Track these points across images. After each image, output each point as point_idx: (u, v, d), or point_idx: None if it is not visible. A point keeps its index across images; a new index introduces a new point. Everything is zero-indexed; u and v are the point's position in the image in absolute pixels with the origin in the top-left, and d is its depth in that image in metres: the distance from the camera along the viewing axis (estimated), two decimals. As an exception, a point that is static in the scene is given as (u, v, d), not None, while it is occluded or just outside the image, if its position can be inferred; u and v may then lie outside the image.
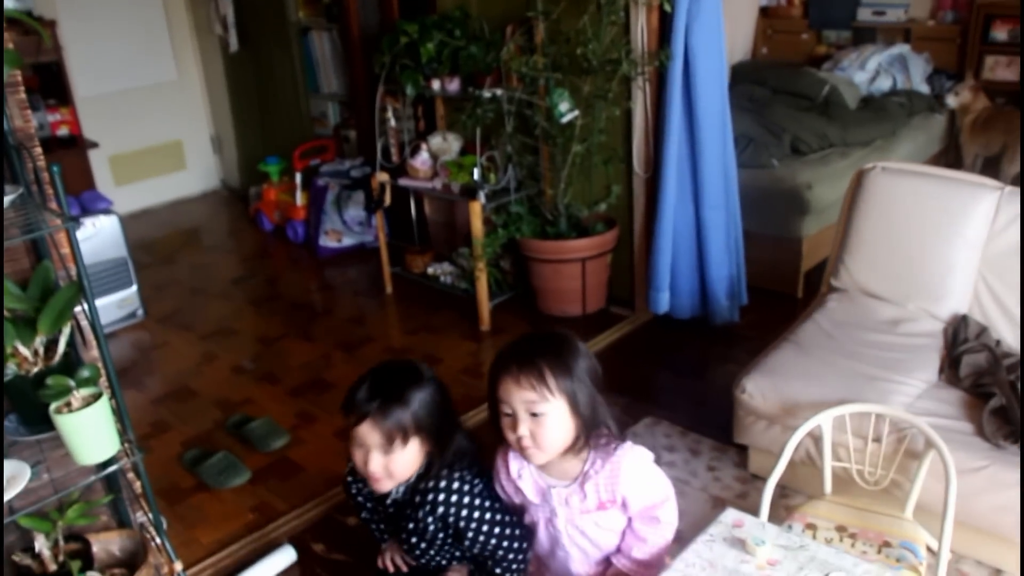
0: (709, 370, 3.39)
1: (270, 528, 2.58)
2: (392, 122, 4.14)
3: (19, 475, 1.56)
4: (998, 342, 2.50)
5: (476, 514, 1.77)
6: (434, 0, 3.99)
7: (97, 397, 1.58)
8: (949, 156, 4.92)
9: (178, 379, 3.59)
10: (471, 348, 3.68)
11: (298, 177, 4.98)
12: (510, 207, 3.77)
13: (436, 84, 3.85)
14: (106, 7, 5.38)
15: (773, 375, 2.47)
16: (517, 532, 1.83)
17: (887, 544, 1.88)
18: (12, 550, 1.78)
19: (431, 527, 1.81)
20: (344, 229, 4.85)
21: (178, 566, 1.89)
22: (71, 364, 1.69)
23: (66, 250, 1.77)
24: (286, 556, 2.43)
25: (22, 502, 1.67)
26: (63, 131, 4.87)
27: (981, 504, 2.09)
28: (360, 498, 1.99)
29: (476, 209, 3.60)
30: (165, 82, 5.85)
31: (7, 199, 1.61)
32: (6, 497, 1.52)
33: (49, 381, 1.54)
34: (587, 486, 1.71)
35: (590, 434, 1.67)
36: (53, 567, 1.71)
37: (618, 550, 1.81)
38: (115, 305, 4.02)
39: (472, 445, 1.84)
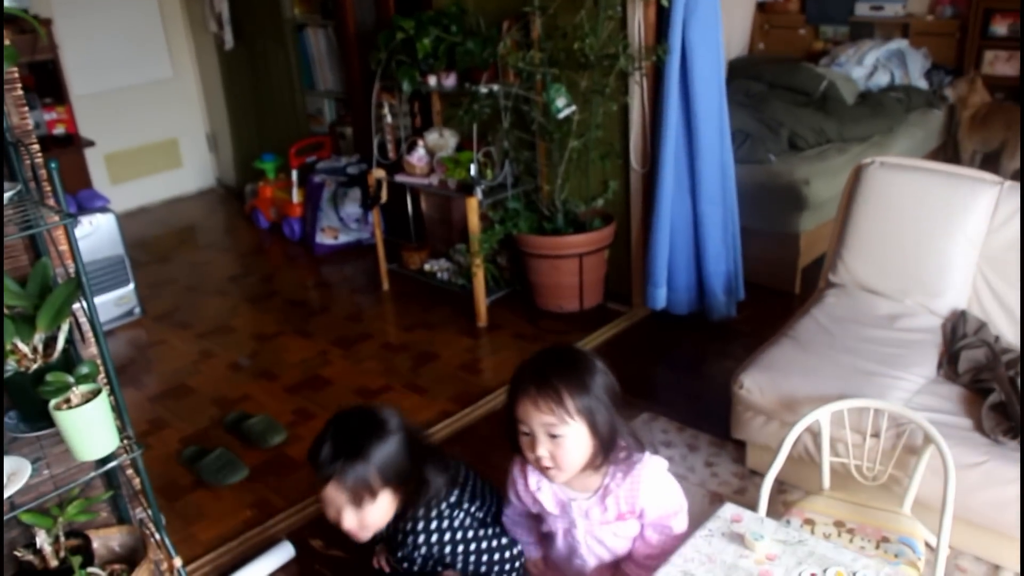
0: (706, 366, 3.39)
1: (268, 524, 2.58)
2: (388, 118, 4.13)
3: (20, 471, 1.56)
4: (997, 338, 2.51)
5: (460, 547, 1.77)
6: (430, -4, 3.99)
7: (96, 393, 1.58)
8: (947, 152, 4.92)
9: (175, 377, 3.58)
10: (468, 344, 3.68)
11: (294, 174, 4.98)
12: (507, 203, 3.77)
13: (432, 80, 3.84)
14: (101, 5, 5.36)
15: (771, 370, 2.47)
16: (504, 544, 1.82)
17: (885, 539, 1.88)
18: (14, 546, 1.78)
19: (417, 559, 1.80)
20: (340, 226, 4.84)
21: (177, 562, 1.89)
22: (70, 361, 1.69)
23: (64, 247, 1.77)
24: (284, 552, 2.43)
25: (23, 498, 1.67)
26: (59, 130, 4.85)
27: (980, 500, 2.09)
28: None
29: (473, 205, 3.60)
30: (160, 80, 5.84)
31: (5, 195, 1.60)
32: (7, 493, 1.52)
33: (48, 377, 1.54)
34: (608, 500, 1.73)
35: (609, 452, 1.68)
36: (54, 563, 1.71)
37: (628, 555, 1.84)
38: (112, 303, 4.02)
39: (449, 473, 1.79)
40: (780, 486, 2.53)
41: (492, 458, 2.82)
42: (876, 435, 2.11)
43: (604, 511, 1.73)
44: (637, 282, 3.77)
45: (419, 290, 4.24)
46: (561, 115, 3.49)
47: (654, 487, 1.72)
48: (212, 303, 4.33)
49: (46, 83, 4.81)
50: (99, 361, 1.74)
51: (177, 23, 5.84)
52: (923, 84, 4.98)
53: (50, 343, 1.65)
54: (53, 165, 1.65)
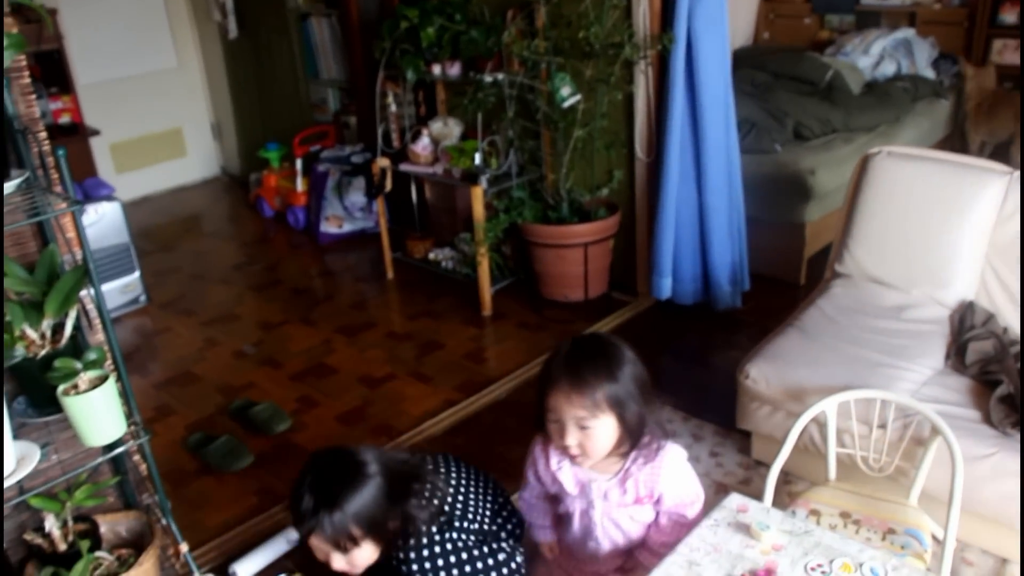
0: (711, 356, 3.39)
1: (274, 511, 2.59)
2: (393, 107, 4.12)
3: (29, 456, 1.57)
4: (1005, 329, 2.50)
5: (455, 571, 1.75)
6: (435, -16, 3.97)
7: (103, 379, 1.58)
8: (954, 142, 4.90)
9: (181, 364, 3.59)
10: (473, 333, 3.68)
11: (298, 163, 4.97)
12: (512, 192, 3.77)
13: (437, 69, 3.83)
14: (106, -6, 5.36)
15: (777, 360, 2.47)
16: (503, 560, 1.81)
17: (892, 531, 1.88)
18: (24, 529, 1.79)
19: None
20: (345, 215, 4.84)
21: (184, 547, 1.90)
22: (78, 347, 1.70)
23: (71, 234, 1.77)
24: (289, 539, 2.43)
25: (32, 483, 1.68)
26: (65, 119, 4.86)
27: (987, 492, 2.08)
28: None
29: (477, 194, 3.60)
30: (165, 69, 5.83)
31: (13, 182, 1.61)
32: (17, 477, 1.52)
33: (56, 363, 1.55)
34: (628, 483, 1.74)
35: (637, 441, 1.70)
36: (63, 546, 1.72)
37: (641, 542, 1.84)
38: (118, 291, 4.02)
39: (437, 498, 1.77)
40: (785, 477, 2.53)
41: (496, 447, 2.84)
42: (883, 426, 2.10)
43: (623, 494, 1.75)
44: (642, 272, 3.76)
45: (423, 279, 4.24)
46: (566, 104, 3.47)
47: (674, 474, 1.74)
48: (217, 291, 4.33)
49: (52, 72, 4.81)
50: (106, 348, 1.75)
51: (181, 12, 5.82)
52: (930, 73, 4.95)
53: (58, 329, 1.65)
54: (61, 152, 1.66)
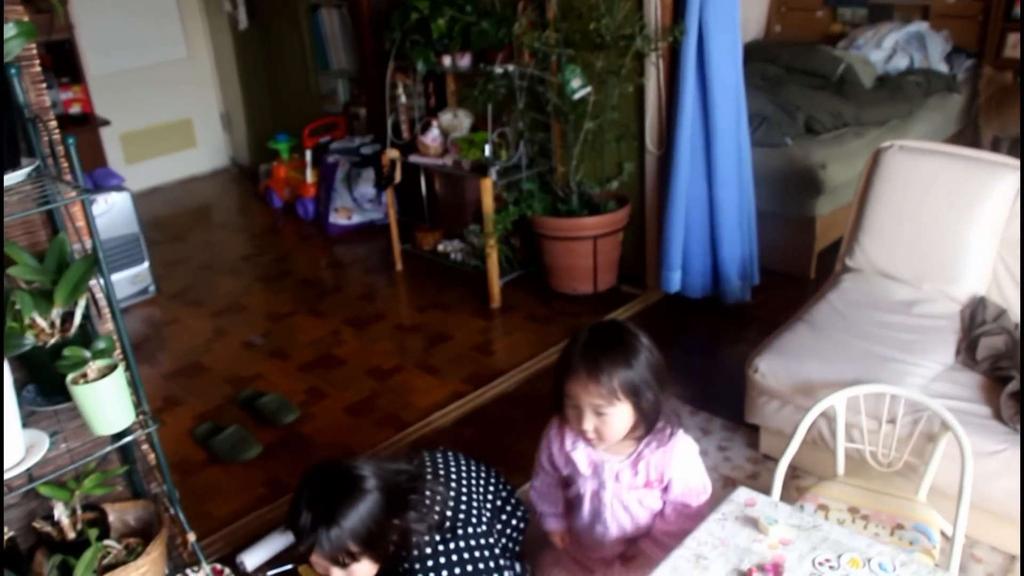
0: (720, 350, 3.38)
1: (281, 501, 2.60)
2: (402, 99, 4.12)
3: (38, 444, 1.58)
4: (1017, 324, 2.48)
5: (457, 570, 1.74)
6: (446, -25, 3.96)
7: (112, 368, 1.59)
8: (966, 137, 4.85)
9: (189, 355, 3.60)
10: (481, 325, 3.68)
11: (308, 154, 4.97)
12: (521, 184, 3.76)
13: (447, 60, 3.82)
14: (116, -17, 5.36)
15: (786, 355, 2.46)
16: (507, 575, 1.81)
17: (900, 527, 1.87)
18: (34, 517, 1.80)
19: None
20: (354, 206, 4.84)
21: (191, 537, 1.91)
22: (87, 336, 1.70)
23: (81, 223, 1.77)
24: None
25: (42, 471, 1.68)
26: (75, 109, 4.87)
27: (997, 488, 2.07)
28: None
29: (487, 186, 3.59)
30: (175, 60, 5.84)
31: (23, 171, 1.61)
32: (26, 465, 1.53)
33: (66, 352, 1.55)
34: (639, 465, 1.79)
35: (651, 426, 1.75)
36: (72, 535, 1.73)
37: (646, 533, 1.87)
38: (127, 281, 4.04)
39: (437, 508, 1.77)
40: (794, 471, 2.52)
41: (504, 440, 2.84)
42: (892, 421, 2.09)
43: (634, 475, 1.79)
44: (651, 265, 3.75)
45: (432, 271, 4.24)
46: (576, 96, 3.46)
47: (684, 460, 1.79)
48: (226, 282, 4.34)
49: (62, 62, 4.83)
50: (115, 337, 1.75)
51: (191, 3, 5.83)
52: (943, 68, 4.91)
53: (67, 318, 1.66)
54: (71, 141, 1.66)
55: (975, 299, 2.57)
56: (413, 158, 3.98)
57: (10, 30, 1.54)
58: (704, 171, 3.35)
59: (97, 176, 4.21)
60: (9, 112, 1.62)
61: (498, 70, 3.60)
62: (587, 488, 1.86)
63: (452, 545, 1.73)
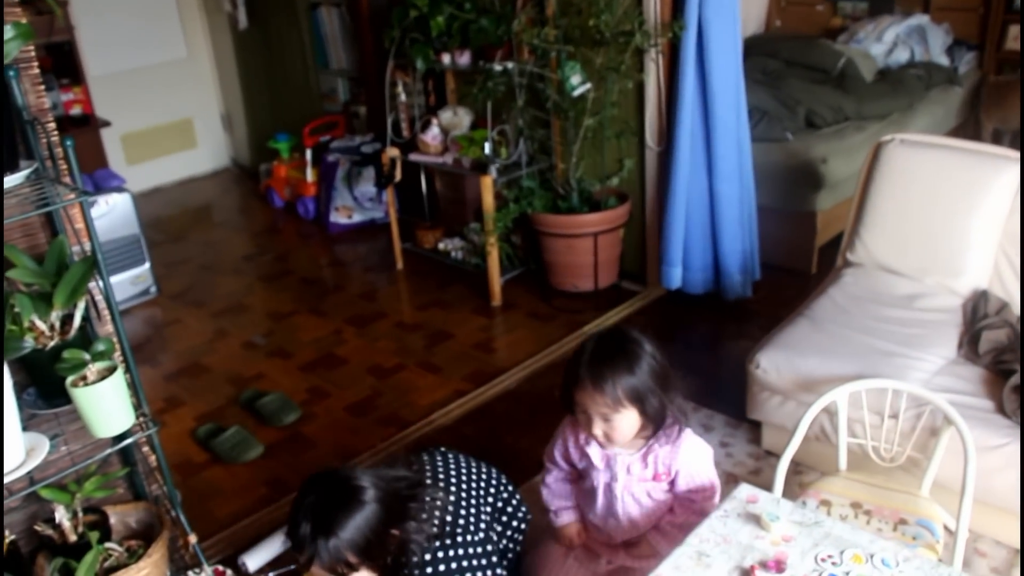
0: (722, 346, 3.37)
1: (283, 502, 2.60)
2: (402, 97, 4.11)
3: (39, 447, 1.58)
4: (1019, 318, 2.47)
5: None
6: (444, -27, 3.95)
7: (112, 370, 1.58)
8: (968, 130, 4.84)
9: (191, 355, 3.60)
10: (482, 323, 3.67)
11: (308, 154, 4.97)
12: (521, 181, 3.75)
13: (446, 58, 3.81)
14: (116, -16, 5.36)
15: (788, 350, 2.45)
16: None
17: (903, 522, 1.87)
18: (35, 520, 1.80)
19: None
20: (355, 205, 4.84)
21: (193, 538, 1.91)
22: (87, 338, 1.70)
23: (80, 225, 1.77)
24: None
25: (42, 474, 1.68)
26: (76, 110, 4.87)
27: (1000, 482, 2.07)
28: None
29: (487, 184, 3.59)
30: (175, 60, 5.83)
31: (22, 173, 1.61)
32: (27, 468, 1.53)
33: (65, 355, 1.55)
34: (649, 457, 1.86)
35: (659, 427, 1.83)
36: (73, 538, 1.73)
37: (655, 526, 1.93)
38: (128, 282, 4.04)
39: (436, 515, 1.76)
40: (796, 467, 2.51)
41: (506, 438, 2.84)
42: (894, 416, 2.09)
43: (644, 467, 1.86)
44: (652, 261, 3.74)
45: (433, 269, 4.24)
46: (576, 93, 3.45)
47: (691, 454, 1.86)
48: (227, 282, 4.34)
49: (63, 64, 4.82)
50: (115, 339, 1.75)
51: (191, 3, 5.82)
52: (944, 60, 4.89)
53: (67, 321, 1.66)
54: (69, 143, 1.66)
55: (977, 292, 2.56)
56: (413, 156, 3.98)
57: (8, 32, 1.54)
58: (704, 167, 3.34)
59: (98, 177, 4.21)
60: (8, 114, 1.62)
61: (497, 67, 3.59)
62: (600, 481, 1.92)
63: (452, 553, 1.73)
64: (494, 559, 1.81)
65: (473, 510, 1.86)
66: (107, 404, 1.58)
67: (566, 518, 2.05)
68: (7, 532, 1.77)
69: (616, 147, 3.62)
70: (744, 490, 1.71)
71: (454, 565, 1.72)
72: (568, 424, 1.98)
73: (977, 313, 2.48)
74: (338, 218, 4.84)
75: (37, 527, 1.76)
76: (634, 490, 1.90)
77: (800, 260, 3.84)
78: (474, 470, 1.95)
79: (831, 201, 3.74)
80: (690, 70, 3.19)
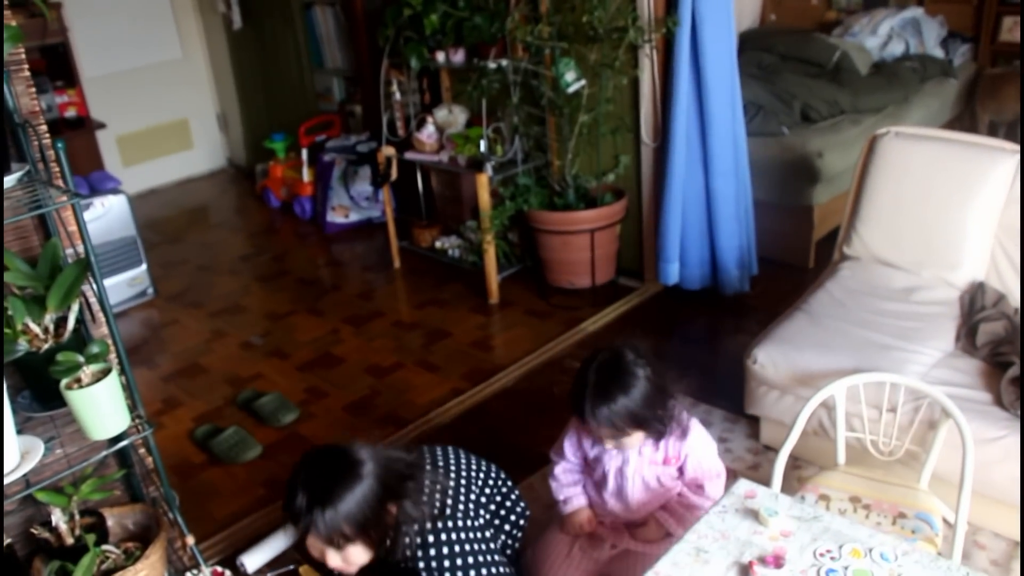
0: (719, 341, 3.37)
1: (282, 503, 2.59)
2: (397, 96, 4.10)
3: (33, 450, 1.57)
4: (1016, 310, 2.47)
5: (459, 561, 1.74)
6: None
7: (107, 372, 1.58)
8: (963, 122, 4.84)
9: (188, 356, 3.60)
10: (480, 321, 3.67)
11: (304, 153, 4.96)
12: (517, 179, 3.75)
13: (441, 56, 3.80)
14: (109, -14, 5.35)
15: (785, 344, 2.45)
16: (502, 570, 1.81)
17: (902, 515, 1.87)
18: (31, 523, 1.79)
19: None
20: (351, 204, 4.83)
21: (190, 540, 1.90)
22: (81, 341, 1.69)
23: (73, 228, 1.76)
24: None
25: (38, 477, 1.68)
26: (71, 112, 4.87)
27: (999, 474, 2.06)
28: None
29: (483, 181, 3.58)
30: (170, 61, 5.82)
31: (14, 176, 1.60)
32: (22, 471, 1.53)
33: (59, 357, 1.54)
34: (660, 442, 1.94)
35: (663, 435, 1.91)
36: (70, 540, 1.73)
37: (664, 506, 2.00)
38: (125, 284, 4.03)
39: (434, 497, 1.76)
40: (794, 462, 2.51)
41: (504, 436, 2.83)
42: (892, 410, 2.09)
43: (655, 451, 1.94)
44: (649, 257, 3.74)
45: (430, 268, 4.23)
46: (571, 89, 3.45)
47: (699, 441, 1.95)
48: (224, 283, 4.34)
49: (57, 66, 4.82)
50: (109, 341, 1.74)
51: (185, 4, 5.81)
52: (939, 53, 4.89)
53: (61, 323, 1.65)
54: (60, 145, 1.65)
55: (974, 285, 2.56)
56: (409, 155, 3.97)
57: (-3, 34, 1.53)
58: (700, 162, 3.34)
59: (94, 179, 4.20)
60: (-1, 117, 1.61)
61: (492, 65, 3.59)
62: (612, 465, 1.97)
63: (453, 536, 1.73)
64: (493, 546, 1.80)
65: (473, 497, 1.87)
66: (102, 406, 1.57)
67: (577, 503, 2.07)
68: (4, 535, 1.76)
69: (611, 143, 3.62)
70: (742, 485, 1.71)
71: (457, 548, 1.73)
72: (576, 422, 2.02)
73: (974, 305, 2.48)
74: (335, 217, 4.83)
75: (34, 530, 1.76)
76: (645, 473, 1.96)
77: (797, 254, 3.84)
78: (474, 464, 1.96)
79: (827, 195, 3.74)
80: (685, 65, 3.19)
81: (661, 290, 3.72)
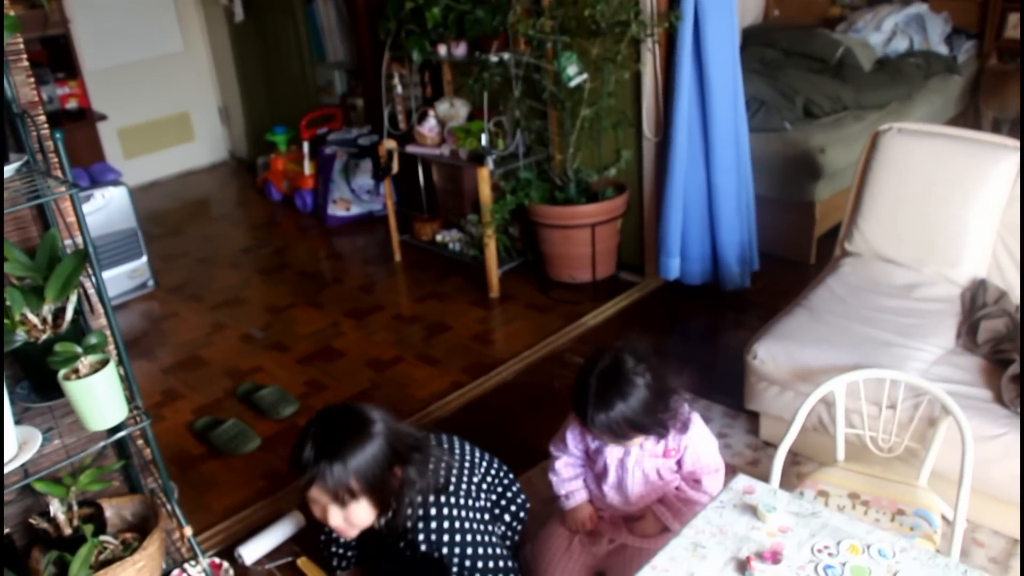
0: (720, 336, 3.37)
1: (280, 495, 2.59)
2: (399, 89, 4.09)
3: (31, 440, 1.57)
4: (1018, 307, 2.46)
5: (458, 537, 1.74)
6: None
7: (105, 363, 1.58)
8: (967, 119, 4.83)
9: (188, 348, 3.60)
10: (480, 315, 3.67)
11: (306, 146, 4.96)
12: (519, 173, 3.74)
13: (442, 49, 3.80)
14: (111, -23, 5.34)
15: (785, 340, 2.45)
16: (504, 559, 1.81)
17: (901, 512, 1.86)
18: (29, 513, 1.80)
19: (420, 551, 1.75)
20: (352, 198, 4.82)
21: (188, 531, 1.90)
22: (80, 331, 1.69)
23: (72, 218, 1.76)
24: (295, 522, 2.44)
25: (37, 467, 1.68)
26: (72, 104, 4.85)
27: (998, 472, 2.06)
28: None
29: (484, 175, 3.57)
30: (172, 53, 5.81)
31: (12, 166, 1.60)
32: (19, 461, 1.53)
33: (57, 348, 1.54)
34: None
35: (665, 435, 1.92)
36: (68, 531, 1.73)
37: (661, 500, 2.01)
38: (125, 276, 4.03)
39: (439, 471, 1.77)
40: (794, 458, 2.51)
41: (504, 429, 2.83)
42: (892, 406, 2.08)
43: (656, 443, 1.95)
44: (650, 252, 3.73)
45: (431, 261, 4.23)
46: (572, 83, 3.44)
47: (698, 435, 1.97)
48: (224, 275, 4.33)
49: (59, 58, 4.81)
50: (107, 332, 1.74)
51: (187, -5, 5.80)
52: (943, 49, 4.87)
53: (59, 314, 1.65)
54: (58, 136, 1.65)
55: (975, 282, 2.55)
56: (410, 148, 3.96)
57: (-5, 24, 1.53)
58: (702, 157, 3.33)
59: (94, 171, 4.20)
60: (-2, 107, 1.61)
61: (493, 58, 3.58)
62: (614, 457, 1.98)
63: (455, 512, 1.75)
64: (492, 528, 1.81)
65: (476, 480, 1.88)
66: (100, 397, 1.57)
67: (578, 498, 2.07)
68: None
69: (613, 138, 3.61)
70: (741, 481, 1.70)
71: (457, 524, 1.74)
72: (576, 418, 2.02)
73: (975, 302, 2.48)
74: (336, 211, 4.82)
75: (32, 520, 1.76)
76: (645, 465, 1.96)
77: (798, 250, 3.83)
78: (477, 454, 1.97)
79: (829, 191, 3.73)
80: (687, 60, 3.18)
81: (662, 285, 3.71)
